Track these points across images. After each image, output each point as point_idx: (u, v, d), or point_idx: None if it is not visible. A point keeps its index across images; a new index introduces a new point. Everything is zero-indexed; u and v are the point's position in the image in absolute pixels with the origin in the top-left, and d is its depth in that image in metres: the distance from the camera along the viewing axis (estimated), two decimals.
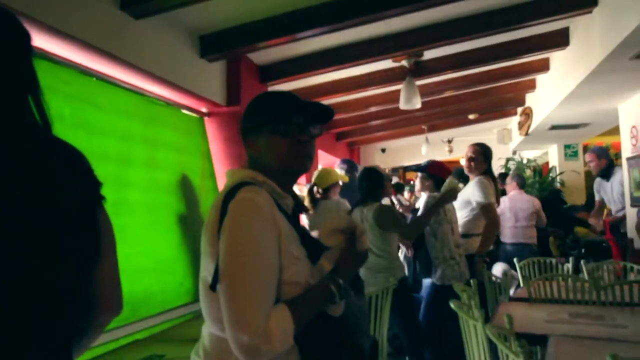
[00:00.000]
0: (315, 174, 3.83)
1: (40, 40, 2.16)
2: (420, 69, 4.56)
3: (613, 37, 3.21)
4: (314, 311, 1.12)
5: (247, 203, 1.09)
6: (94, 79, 2.59)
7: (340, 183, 3.91)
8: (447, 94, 5.72)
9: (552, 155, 8.29)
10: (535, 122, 6.32)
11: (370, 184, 3.30)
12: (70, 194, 0.85)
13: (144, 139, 2.93)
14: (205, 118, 3.73)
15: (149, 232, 2.84)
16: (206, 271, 1.12)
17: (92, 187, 0.91)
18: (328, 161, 7.44)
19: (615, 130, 5.61)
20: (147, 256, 2.77)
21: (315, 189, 3.73)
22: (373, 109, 5.82)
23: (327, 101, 5.46)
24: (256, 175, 1.20)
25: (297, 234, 1.18)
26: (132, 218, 2.68)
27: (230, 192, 1.11)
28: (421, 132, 8.06)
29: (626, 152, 4.92)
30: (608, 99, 4.78)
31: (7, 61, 0.86)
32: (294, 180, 1.31)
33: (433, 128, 8.02)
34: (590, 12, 3.57)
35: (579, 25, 4.02)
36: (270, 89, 4.44)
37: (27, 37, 0.91)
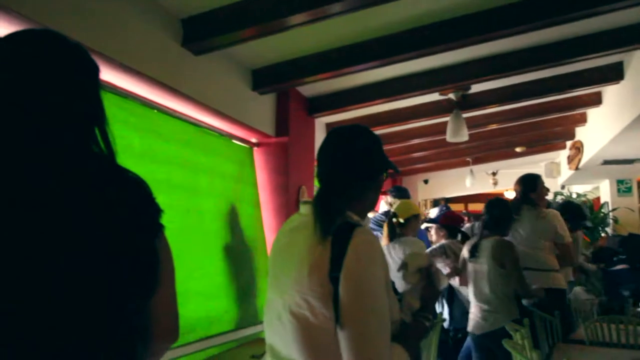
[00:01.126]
0: (395, 204, 3.70)
1: (110, 75, 2.31)
2: (468, 102, 4.55)
3: None
4: (417, 347, 1.23)
5: (371, 245, 1.13)
6: (156, 110, 2.73)
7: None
8: (494, 126, 5.66)
9: (603, 190, 7.98)
10: (587, 156, 6.13)
11: (496, 215, 3.16)
12: (130, 221, 0.88)
13: (200, 168, 3.04)
14: (255, 148, 3.84)
15: (202, 257, 2.93)
16: (307, 310, 1.12)
17: (153, 215, 0.94)
18: None
19: None
20: (198, 281, 2.84)
21: (394, 220, 3.53)
22: (417, 140, 5.81)
23: None
24: (352, 215, 1.23)
25: None
26: (189, 243, 2.77)
27: (343, 232, 1.12)
28: (465, 164, 7.95)
29: None
30: None
31: (77, 92, 0.91)
32: None
33: (478, 160, 7.90)
34: None
35: (633, 59, 3.93)
36: (318, 120, 4.54)
37: (96, 70, 0.96)
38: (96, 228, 0.82)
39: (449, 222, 3.81)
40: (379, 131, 5.30)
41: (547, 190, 3.85)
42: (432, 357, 2.75)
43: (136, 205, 0.91)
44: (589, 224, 5.22)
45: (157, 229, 0.95)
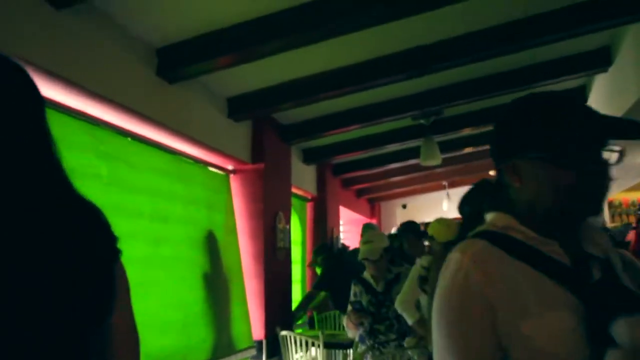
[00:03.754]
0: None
1: (79, 102, 2.31)
2: (440, 125, 4.64)
3: (631, 92, 3.27)
4: None
5: (450, 267, 0.87)
6: (129, 139, 2.73)
7: None
8: (469, 149, 5.78)
9: None
10: None
11: None
12: (88, 249, 0.87)
13: (174, 196, 3.03)
14: (231, 175, 3.85)
15: (178, 286, 2.89)
16: None
17: (110, 241, 0.93)
18: (351, 217, 7.47)
19: None
20: (175, 310, 2.81)
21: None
22: (393, 165, 5.89)
23: (347, 158, 5.57)
24: (509, 222, 0.89)
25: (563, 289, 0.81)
26: (163, 272, 2.74)
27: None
28: (442, 188, 8.07)
29: None
30: (632, 153, 4.76)
31: (19, 116, 0.86)
32: (571, 227, 0.90)
33: (454, 184, 8.03)
34: (606, 70, 3.65)
35: (595, 83, 4.09)
36: (294, 147, 4.57)
37: (34, 89, 0.90)
38: (52, 255, 0.81)
39: None
40: (354, 157, 5.38)
41: None
42: None
43: (93, 233, 0.90)
44: None
45: (115, 255, 0.94)
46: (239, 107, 3.52)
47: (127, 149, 2.69)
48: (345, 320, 3.12)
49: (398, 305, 2.73)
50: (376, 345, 2.95)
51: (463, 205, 2.08)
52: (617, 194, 7.51)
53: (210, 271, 3.26)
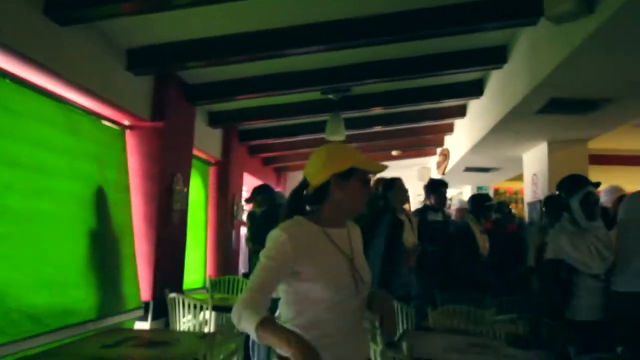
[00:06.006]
0: None
1: None
2: (349, 102, 4.74)
3: (519, 92, 3.55)
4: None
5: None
6: (7, 80, 2.47)
7: None
8: (373, 129, 5.98)
9: (466, 195, 8.81)
10: (452, 163, 6.73)
11: None
12: None
13: (60, 148, 2.82)
14: (127, 131, 3.64)
15: (59, 243, 2.73)
16: None
17: None
18: (254, 185, 7.42)
19: (522, 177, 6.10)
20: (55, 268, 2.67)
21: None
22: (301, 137, 5.93)
23: (255, 125, 5.52)
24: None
25: None
26: (42, 228, 2.57)
27: None
28: None
29: (527, 197, 5.36)
30: (514, 147, 5.22)
31: None
32: None
33: None
34: (501, 67, 3.93)
35: (491, 78, 4.40)
36: (199, 109, 4.43)
37: None
38: None
39: None
40: (261, 124, 5.35)
41: None
42: None
43: None
44: None
45: None
46: (140, 60, 3.31)
47: (5, 92, 2.44)
48: None
49: None
50: None
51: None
52: (501, 182, 8.23)
53: (96, 229, 3.10)
